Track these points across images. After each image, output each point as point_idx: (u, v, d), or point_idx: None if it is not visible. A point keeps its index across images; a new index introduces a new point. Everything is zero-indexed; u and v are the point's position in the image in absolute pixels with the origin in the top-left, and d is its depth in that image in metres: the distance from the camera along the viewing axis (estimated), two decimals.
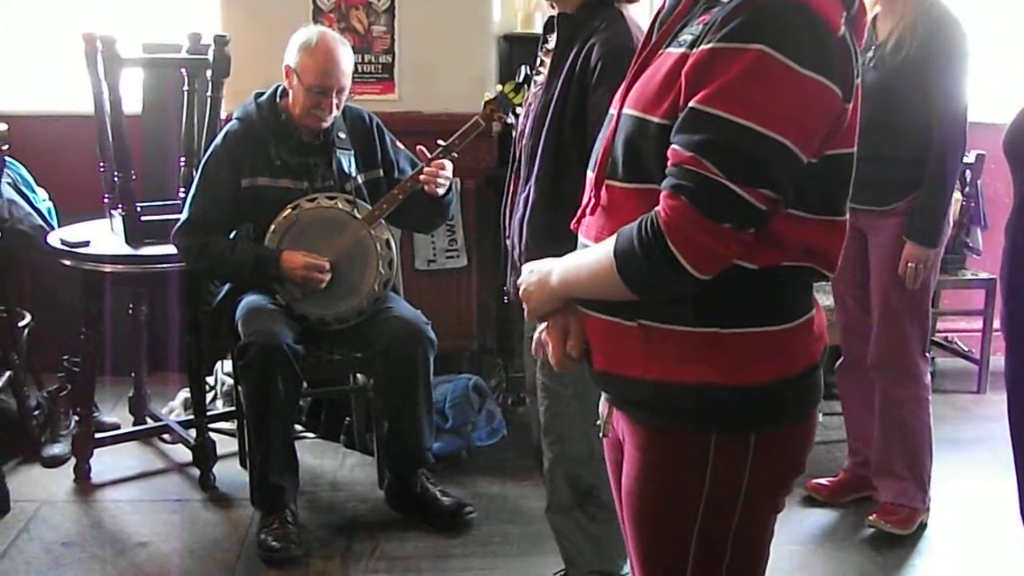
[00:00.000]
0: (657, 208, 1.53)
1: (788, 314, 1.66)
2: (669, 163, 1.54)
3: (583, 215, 1.77)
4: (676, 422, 1.66)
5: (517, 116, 3.28)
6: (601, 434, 1.88)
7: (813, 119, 1.56)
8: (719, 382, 1.62)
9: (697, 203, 1.50)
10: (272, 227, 3.55)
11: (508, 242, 2.84)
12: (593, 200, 1.73)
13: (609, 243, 1.59)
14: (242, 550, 3.48)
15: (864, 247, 3.55)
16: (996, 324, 4.90)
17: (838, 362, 3.83)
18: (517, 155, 2.82)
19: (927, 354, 3.58)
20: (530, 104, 2.78)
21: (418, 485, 3.66)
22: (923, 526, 3.63)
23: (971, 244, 4.94)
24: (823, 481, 3.87)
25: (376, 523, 3.67)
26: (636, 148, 1.63)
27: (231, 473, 3.98)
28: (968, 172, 4.82)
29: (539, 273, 1.75)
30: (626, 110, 1.66)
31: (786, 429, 1.69)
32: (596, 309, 1.70)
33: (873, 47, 3.41)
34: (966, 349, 5.22)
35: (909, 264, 3.38)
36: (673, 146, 1.54)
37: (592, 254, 1.65)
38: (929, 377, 3.60)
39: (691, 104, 1.52)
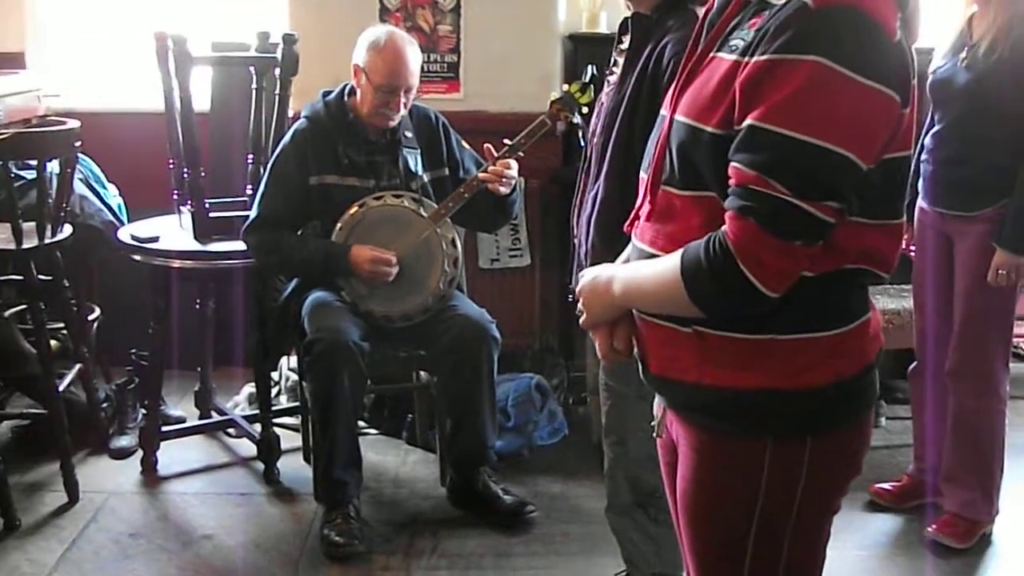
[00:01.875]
0: (724, 228, 1.52)
1: (844, 318, 1.65)
2: (732, 183, 1.53)
3: (636, 218, 1.77)
4: (732, 426, 1.66)
5: (583, 116, 3.29)
6: (655, 435, 1.88)
7: (874, 128, 1.54)
8: (775, 387, 1.61)
9: (766, 224, 1.49)
10: (339, 224, 3.57)
11: (575, 240, 2.84)
12: (648, 205, 1.72)
13: (674, 259, 1.58)
14: (305, 545, 3.51)
15: (949, 252, 3.49)
16: None
17: (911, 367, 3.78)
18: (588, 154, 2.82)
19: (1008, 364, 3.50)
20: (602, 103, 2.78)
21: (480, 483, 3.67)
22: (986, 536, 3.57)
23: None
24: (887, 486, 3.83)
25: (438, 520, 3.69)
26: (690, 156, 1.62)
27: (295, 468, 4.02)
28: None
29: (600, 281, 1.75)
30: (678, 117, 1.65)
31: (841, 431, 1.68)
32: (651, 314, 1.70)
33: (966, 47, 3.34)
34: None
35: (1000, 272, 3.29)
36: (734, 164, 1.53)
37: (656, 268, 1.64)
38: (1008, 388, 3.53)
39: (749, 122, 1.51)
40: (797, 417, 1.64)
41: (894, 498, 3.80)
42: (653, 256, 1.68)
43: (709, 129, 1.58)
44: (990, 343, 3.45)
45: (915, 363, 3.76)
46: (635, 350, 1.78)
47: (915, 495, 3.78)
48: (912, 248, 3.65)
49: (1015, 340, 5.12)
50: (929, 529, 3.56)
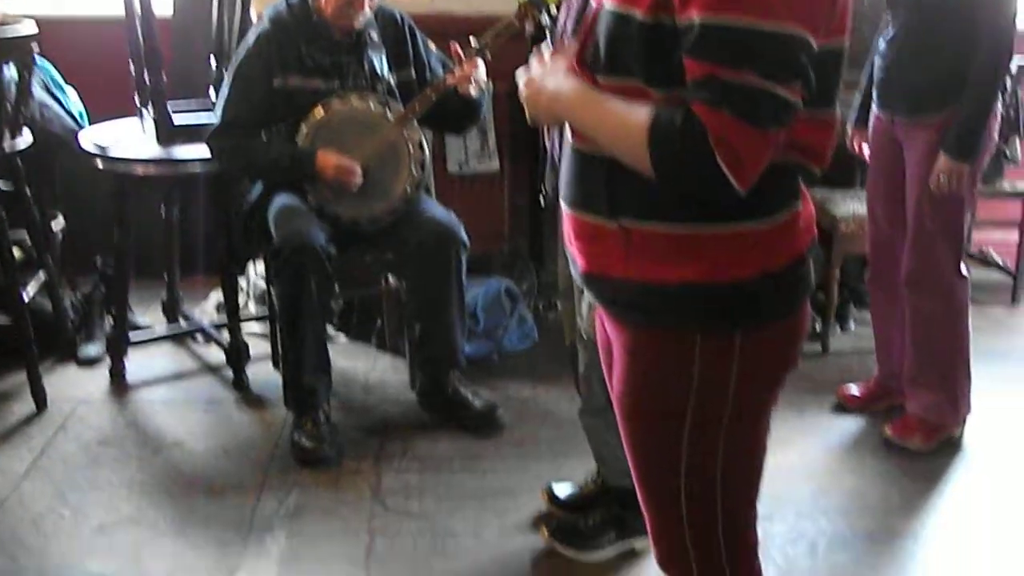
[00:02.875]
0: (699, 118, 1.47)
1: (772, 210, 1.63)
2: (693, 76, 1.49)
3: None
4: (660, 321, 1.66)
5: (552, 17, 3.23)
6: (582, 331, 1.87)
7: (816, 4, 1.52)
8: (702, 280, 1.60)
9: (743, 113, 1.46)
10: (304, 128, 3.51)
11: (548, 143, 2.81)
12: None
13: (642, 115, 1.53)
14: (275, 450, 3.51)
15: (899, 159, 3.47)
16: None
17: (867, 275, 3.79)
18: None
19: (962, 270, 3.50)
20: (571, 3, 2.72)
21: (450, 387, 3.68)
22: (954, 440, 3.61)
23: (1009, 154, 4.84)
24: (854, 391, 3.87)
25: (408, 424, 3.71)
26: (618, 45, 1.58)
27: (264, 375, 4.01)
28: (1008, 80, 4.71)
29: (556, 91, 1.69)
30: (606, 4, 1.60)
31: (773, 324, 1.68)
32: (579, 209, 1.69)
33: None
34: (1001, 261, 5.16)
35: (940, 177, 3.28)
36: (694, 59, 1.49)
37: (621, 114, 1.57)
38: (966, 293, 3.53)
39: (699, 19, 1.46)
40: (726, 310, 1.63)
41: (861, 401, 3.84)
42: (577, 151, 1.67)
43: (639, 17, 1.54)
44: (942, 250, 3.43)
45: (870, 273, 3.77)
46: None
47: (881, 399, 3.82)
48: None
49: (983, 247, 5.17)
50: (888, 431, 3.60)
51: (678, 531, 1.80)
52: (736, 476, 1.77)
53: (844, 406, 3.85)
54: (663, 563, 1.89)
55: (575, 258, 1.73)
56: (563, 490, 3.14)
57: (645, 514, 1.85)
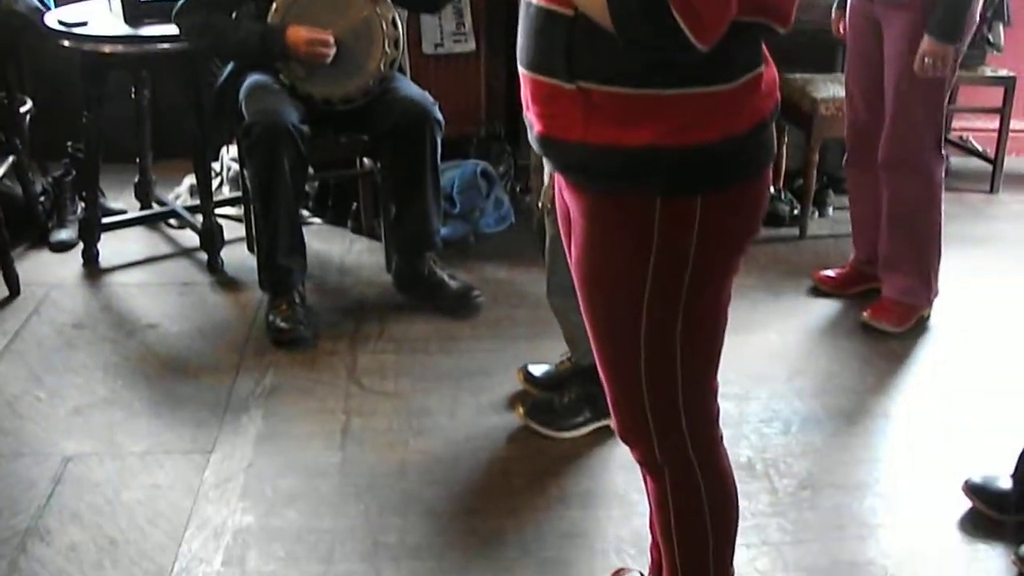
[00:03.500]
0: None
1: (733, 72, 1.59)
2: None
3: None
4: (619, 185, 1.62)
5: None
6: (539, 203, 1.84)
7: None
8: (662, 143, 1.56)
9: None
10: (274, 5, 3.43)
11: None
12: None
13: None
14: (250, 332, 3.51)
15: (878, 40, 3.42)
16: (1013, 124, 4.82)
17: (845, 157, 3.76)
18: None
19: (941, 152, 3.47)
20: None
21: (426, 269, 3.66)
22: (923, 320, 3.63)
23: (992, 40, 4.78)
24: (830, 273, 3.87)
25: (384, 306, 3.70)
26: None
27: (239, 258, 3.99)
28: None
29: None
30: None
31: (733, 189, 1.65)
32: (536, 71, 1.64)
33: None
34: (980, 148, 5.13)
35: (925, 60, 3.22)
36: None
37: None
38: (943, 175, 3.51)
39: None
40: (685, 174, 1.60)
41: (837, 285, 3.84)
42: (538, 8, 1.61)
43: None
44: (921, 132, 3.40)
45: (847, 155, 3.74)
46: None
47: (857, 282, 3.82)
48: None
49: (963, 133, 5.15)
50: (864, 314, 3.61)
51: (638, 402, 1.79)
52: (696, 345, 1.76)
53: (819, 288, 3.85)
54: (623, 434, 1.89)
55: (532, 123, 1.69)
56: (539, 370, 3.15)
57: (605, 385, 1.84)
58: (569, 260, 1.86)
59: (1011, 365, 3.41)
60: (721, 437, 1.92)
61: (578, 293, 1.78)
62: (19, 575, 2.41)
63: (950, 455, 2.90)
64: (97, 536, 2.54)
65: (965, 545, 2.58)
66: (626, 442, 1.90)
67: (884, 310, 3.60)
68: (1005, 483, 2.65)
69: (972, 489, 2.68)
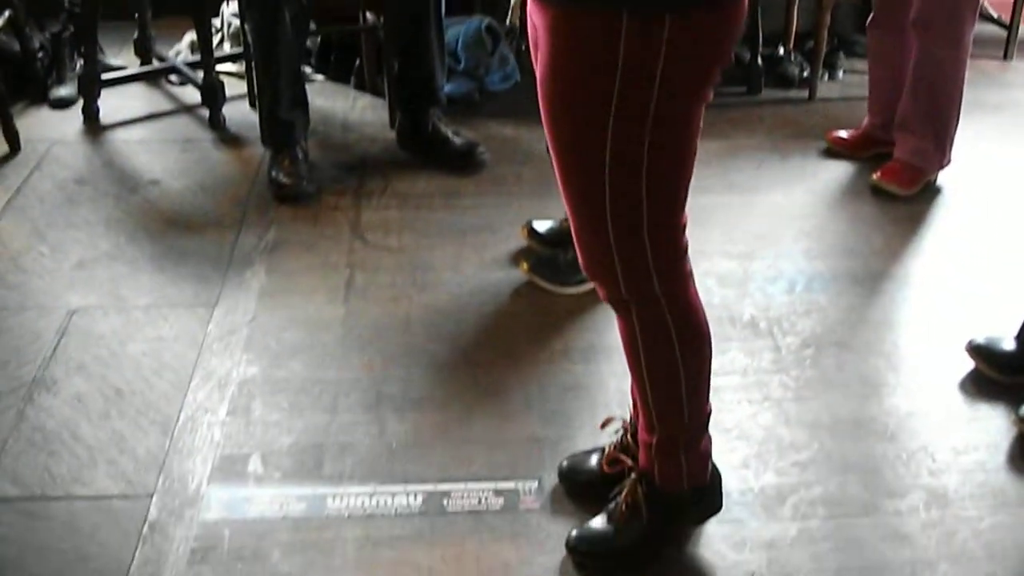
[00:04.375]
0: None
1: None
2: None
3: None
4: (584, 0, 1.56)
5: None
6: (507, 20, 1.76)
7: None
8: None
9: None
10: None
11: None
12: None
13: None
14: (253, 187, 3.48)
15: None
16: None
17: (870, 18, 3.67)
18: None
19: (975, 14, 3.37)
20: None
21: (430, 125, 3.62)
22: (931, 184, 3.59)
23: None
24: (843, 134, 3.82)
25: (387, 163, 3.66)
26: None
27: (240, 114, 3.95)
28: None
29: None
30: None
31: (703, 12, 1.57)
32: None
33: None
34: (996, 15, 5.02)
35: None
36: None
37: None
38: (971, 39, 3.42)
39: None
40: None
41: (849, 146, 3.79)
42: None
43: None
44: None
45: (873, 14, 3.65)
46: None
47: (869, 146, 3.77)
48: None
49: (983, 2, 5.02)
50: (874, 176, 3.57)
51: (602, 234, 1.74)
52: (662, 175, 1.70)
53: (832, 149, 3.80)
54: (588, 267, 1.84)
55: None
56: (543, 226, 3.12)
57: (568, 213, 1.80)
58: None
59: (1021, 232, 3.38)
60: (690, 272, 1.88)
61: (543, 117, 1.71)
62: (27, 424, 2.43)
63: (955, 319, 2.89)
64: (103, 387, 2.56)
65: (966, 405, 2.58)
66: (592, 276, 1.87)
67: (894, 172, 3.55)
68: (1009, 344, 2.65)
69: (975, 350, 2.68)
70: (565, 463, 2.29)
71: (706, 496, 2.12)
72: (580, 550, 2.08)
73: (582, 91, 1.63)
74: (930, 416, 2.53)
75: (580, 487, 2.25)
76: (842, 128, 3.87)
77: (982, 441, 2.45)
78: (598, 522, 2.10)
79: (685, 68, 1.60)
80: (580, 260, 1.85)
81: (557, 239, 3.05)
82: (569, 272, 2.94)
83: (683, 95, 1.63)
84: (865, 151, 3.76)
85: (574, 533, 2.10)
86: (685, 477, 2.04)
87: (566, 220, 3.08)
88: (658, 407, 1.97)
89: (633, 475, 2.08)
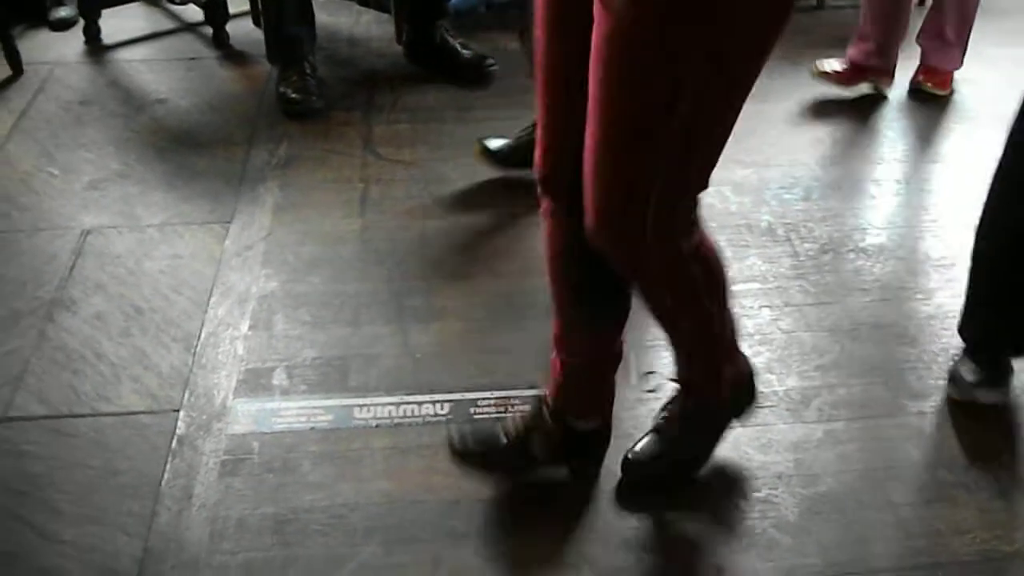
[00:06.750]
0: None
1: None
2: None
3: None
4: None
5: None
6: None
7: None
8: None
9: None
10: None
11: None
12: None
13: None
14: (262, 104, 3.45)
15: None
16: None
17: None
18: None
19: None
20: None
21: (438, 38, 3.57)
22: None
23: None
24: (833, 67, 3.71)
25: (396, 77, 3.63)
26: None
27: (245, 31, 3.90)
28: None
29: None
30: None
31: None
32: None
33: None
34: None
35: None
36: None
37: None
38: None
39: None
40: None
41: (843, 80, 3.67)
42: None
43: None
44: None
45: None
46: None
47: (861, 77, 3.67)
48: None
49: None
50: (918, 78, 3.55)
51: (646, 170, 1.61)
52: (725, 113, 1.59)
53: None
54: (609, 215, 1.67)
55: None
56: (495, 143, 3.08)
57: (593, 162, 1.63)
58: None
59: None
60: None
61: (596, 53, 1.55)
62: (48, 344, 2.43)
63: (974, 221, 2.88)
64: (122, 305, 2.56)
65: None
66: (607, 228, 1.68)
67: (932, 74, 3.53)
68: None
69: None
70: None
71: (744, 391, 2.12)
72: (641, 472, 2.08)
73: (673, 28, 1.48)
74: (950, 319, 2.52)
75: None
76: (852, 35, 3.80)
77: None
78: (649, 440, 2.10)
79: (749, 20, 1.48)
80: (596, 213, 1.67)
81: (508, 158, 3.01)
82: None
83: (746, 47, 1.52)
84: (855, 83, 3.66)
85: (630, 456, 2.08)
86: (726, 382, 2.04)
87: (520, 137, 3.01)
88: (692, 337, 1.93)
89: (678, 390, 2.08)
